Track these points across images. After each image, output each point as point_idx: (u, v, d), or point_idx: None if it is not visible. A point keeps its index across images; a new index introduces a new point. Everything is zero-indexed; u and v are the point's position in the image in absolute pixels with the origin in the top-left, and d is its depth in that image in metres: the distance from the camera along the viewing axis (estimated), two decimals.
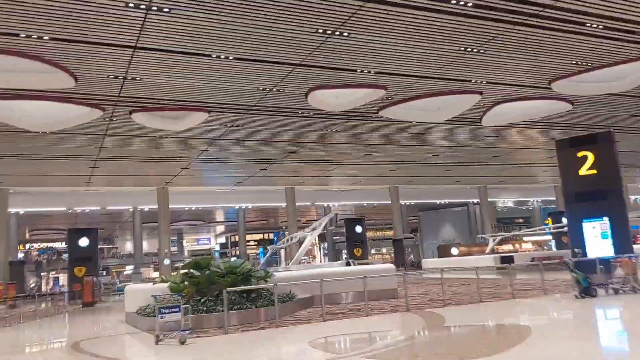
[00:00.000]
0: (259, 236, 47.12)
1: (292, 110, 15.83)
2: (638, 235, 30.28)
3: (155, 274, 34.02)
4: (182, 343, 8.04)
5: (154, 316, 8.73)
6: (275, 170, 25.40)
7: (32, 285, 34.60)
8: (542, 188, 40.22)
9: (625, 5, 9.96)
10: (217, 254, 49.33)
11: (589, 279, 11.13)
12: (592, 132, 17.29)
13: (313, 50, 11.27)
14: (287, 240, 22.95)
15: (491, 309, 10.99)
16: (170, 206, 29.04)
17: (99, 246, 33.79)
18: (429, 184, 34.89)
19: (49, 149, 18.33)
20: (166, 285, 11.35)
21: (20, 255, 38.86)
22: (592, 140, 15.43)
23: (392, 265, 14.97)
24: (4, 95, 12.41)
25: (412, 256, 41.14)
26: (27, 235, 44.65)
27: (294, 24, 9.96)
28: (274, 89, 13.72)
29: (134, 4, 8.76)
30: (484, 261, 24.29)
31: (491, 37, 11.16)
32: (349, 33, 10.52)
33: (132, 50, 10.67)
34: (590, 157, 14.87)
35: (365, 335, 8.83)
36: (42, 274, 39.70)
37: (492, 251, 30.16)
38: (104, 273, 38.76)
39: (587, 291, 11.02)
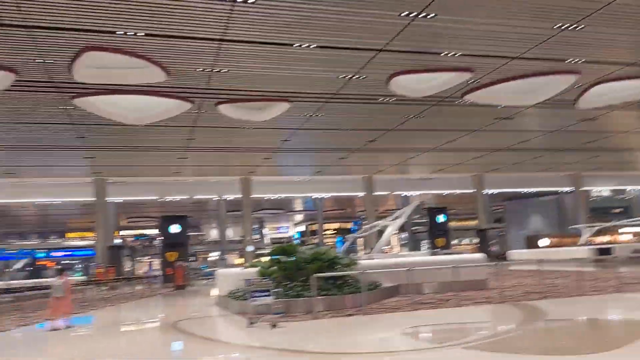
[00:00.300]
0: (336, 225, 47.37)
1: (373, 98, 15.64)
2: None
3: (239, 260, 35.34)
4: (274, 326, 8.20)
5: (245, 299, 8.98)
6: (354, 159, 25.32)
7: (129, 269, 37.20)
8: None
9: None
10: (296, 242, 50.31)
11: None
12: None
13: (396, 34, 11.00)
14: (368, 229, 22.82)
15: (596, 303, 10.21)
16: (252, 195, 29.97)
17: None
18: (516, 171, 33.21)
19: (142, 141, 19.50)
20: (255, 270, 11.69)
21: (117, 241, 41.84)
22: None
23: (482, 255, 14.36)
24: (103, 91, 13.27)
25: (496, 247, 39.46)
26: (123, 223, 47.97)
27: (376, 8, 9.76)
28: (356, 77, 13.60)
29: None
30: (577, 253, 22.79)
31: (590, 12, 10.29)
32: (435, 14, 10.14)
33: (219, 42, 10.99)
34: None
35: (461, 326, 8.52)
36: (136, 258, 42.58)
37: (586, 243, 28.23)
38: (192, 259, 40.82)
39: None
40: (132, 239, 46.30)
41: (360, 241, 37.65)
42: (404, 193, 37.53)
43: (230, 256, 40.08)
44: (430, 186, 35.11)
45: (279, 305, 9.02)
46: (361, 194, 32.09)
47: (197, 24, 10.03)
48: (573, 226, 33.77)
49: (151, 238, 45.38)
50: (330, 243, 42.05)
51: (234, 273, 13.32)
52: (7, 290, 18.95)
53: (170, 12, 9.47)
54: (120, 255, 32.26)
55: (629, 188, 42.30)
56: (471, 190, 33.86)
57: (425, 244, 37.45)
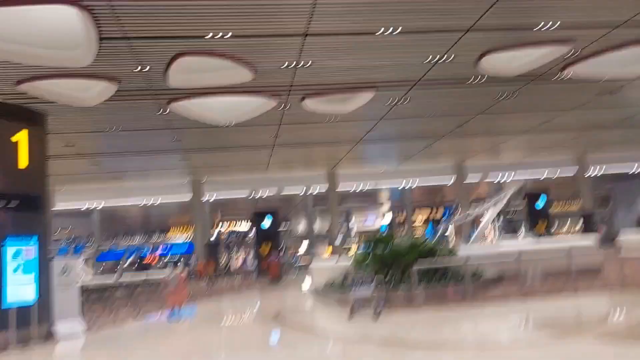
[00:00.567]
0: (425, 214, 46.36)
1: (461, 80, 14.96)
2: None
3: (328, 253, 35.70)
4: (376, 318, 8.10)
5: (343, 291, 8.96)
6: (442, 145, 24.52)
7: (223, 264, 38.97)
8: None
9: None
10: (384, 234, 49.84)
11: None
12: None
13: (486, 10, 10.38)
14: (462, 217, 22.00)
15: None
16: (337, 188, 30.08)
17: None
18: (623, 151, 30.46)
19: (233, 141, 20.21)
20: (349, 262, 11.66)
21: (213, 237, 43.98)
22: None
23: (592, 241, 13.26)
24: (195, 94, 13.85)
25: (604, 231, 36.47)
26: (217, 219, 50.37)
27: None
28: (442, 60, 13.07)
29: None
30: None
31: None
32: None
33: (303, 37, 11.01)
34: None
35: (584, 315, 7.89)
36: (230, 253, 44.52)
37: None
38: (283, 252, 41.91)
39: None
40: (226, 234, 48.44)
41: (451, 230, 36.50)
42: (497, 179, 35.84)
43: (319, 249, 40.64)
44: (526, 170, 33.16)
45: (380, 296, 8.89)
46: (451, 181, 31.05)
47: (281, 20, 10.11)
48: None
49: (243, 233, 47.26)
50: (419, 233, 41.24)
51: (328, 265, 13.39)
52: (121, 286, 20.54)
53: (256, 11, 9.61)
54: (217, 251, 33.88)
55: None
56: (572, 173, 31.56)
57: (523, 231, 35.51)
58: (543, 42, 12.14)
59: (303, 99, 15.12)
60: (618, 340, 5.53)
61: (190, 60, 11.33)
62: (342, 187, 31.12)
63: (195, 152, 21.94)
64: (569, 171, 31.53)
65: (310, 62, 12.46)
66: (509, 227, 40.97)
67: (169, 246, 44.58)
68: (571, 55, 13.10)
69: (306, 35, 10.90)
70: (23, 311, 9.08)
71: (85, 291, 15.57)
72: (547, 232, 30.79)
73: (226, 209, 44.96)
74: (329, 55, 12.20)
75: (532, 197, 32.63)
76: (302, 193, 36.31)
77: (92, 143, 18.93)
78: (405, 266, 9.80)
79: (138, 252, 38.25)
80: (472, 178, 31.62)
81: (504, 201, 17.71)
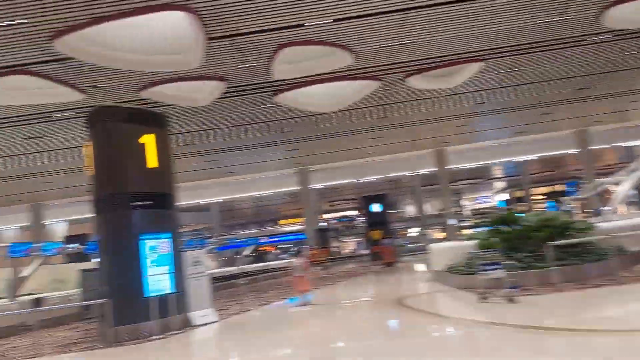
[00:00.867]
0: (545, 189, 43.17)
1: (581, 39, 13.49)
2: None
3: (442, 234, 34.73)
4: (511, 301, 7.55)
5: (467, 274, 8.50)
6: (561, 112, 22.53)
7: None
8: None
9: None
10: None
11: None
12: None
13: None
14: (591, 189, 20.04)
15: None
16: (447, 166, 29.00)
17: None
18: None
19: (338, 127, 20.24)
20: (472, 242, 11.07)
21: (322, 224, 44.90)
22: None
23: None
24: (297, 84, 13.96)
25: None
26: (325, 207, 51.30)
27: None
28: (558, 18, 11.84)
29: None
30: None
31: None
32: None
33: (405, 12, 10.55)
34: None
35: None
36: (340, 239, 45.15)
37: None
38: (394, 236, 41.52)
39: None
40: (335, 220, 49.18)
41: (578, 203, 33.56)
42: (626, 144, 32.19)
43: (431, 231, 39.67)
44: None
45: (513, 278, 8.25)
46: (574, 150, 28.51)
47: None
48: None
49: (352, 219, 47.64)
50: (539, 209, 38.54)
51: (449, 247, 12.88)
52: (243, 274, 21.66)
53: None
54: (327, 237, 34.49)
55: None
56: None
57: None
58: None
59: (407, 77, 14.62)
60: None
61: (293, 50, 11.40)
62: (452, 165, 29.96)
63: (301, 142, 22.34)
64: None
65: (412, 38, 11.96)
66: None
67: (282, 235, 46.34)
68: None
69: (408, 9, 10.43)
70: (162, 301, 9.82)
71: (213, 280, 16.58)
72: None
73: (333, 196, 45.62)
74: (432, 29, 11.59)
75: None
76: (411, 174, 35.54)
77: (207, 141, 20.03)
78: (536, 245, 9.03)
79: (254, 241, 40.24)
80: (598, 145, 28.74)
81: None
